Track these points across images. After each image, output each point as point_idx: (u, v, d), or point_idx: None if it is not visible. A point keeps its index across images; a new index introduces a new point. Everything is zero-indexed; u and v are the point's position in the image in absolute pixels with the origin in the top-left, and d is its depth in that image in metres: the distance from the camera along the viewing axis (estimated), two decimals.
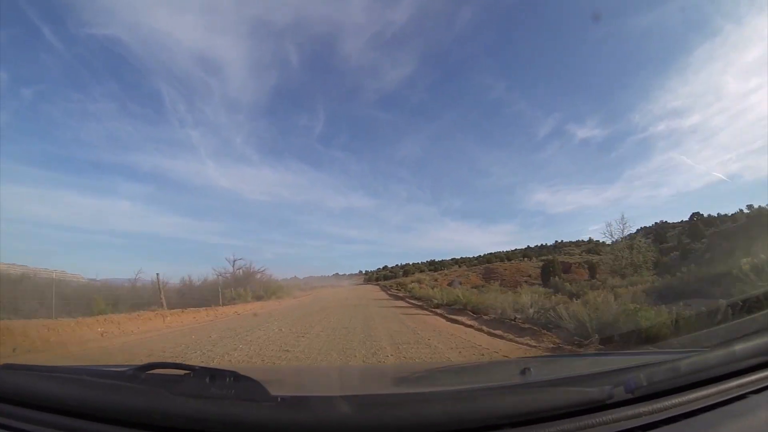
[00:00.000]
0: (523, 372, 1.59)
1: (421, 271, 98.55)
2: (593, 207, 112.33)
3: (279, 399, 1.09)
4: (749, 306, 6.14)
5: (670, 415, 1.17)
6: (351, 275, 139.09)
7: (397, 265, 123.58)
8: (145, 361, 1.49)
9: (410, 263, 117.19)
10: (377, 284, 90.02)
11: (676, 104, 78.86)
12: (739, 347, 1.39)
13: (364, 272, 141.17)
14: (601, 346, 6.93)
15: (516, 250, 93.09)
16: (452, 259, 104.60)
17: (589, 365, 2.19)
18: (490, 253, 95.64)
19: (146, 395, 1.16)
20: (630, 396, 1.18)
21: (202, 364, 1.28)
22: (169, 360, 1.47)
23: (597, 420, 1.12)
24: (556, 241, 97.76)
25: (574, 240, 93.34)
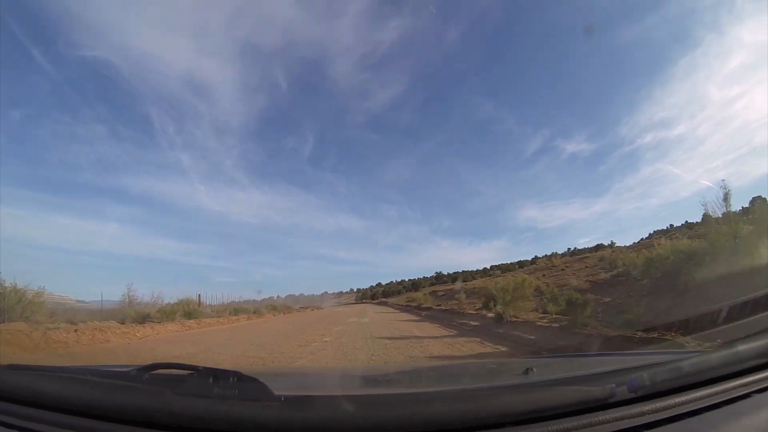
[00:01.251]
0: (526, 372, 1.60)
1: (409, 290, 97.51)
2: (582, 220, 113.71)
3: (283, 399, 1.09)
4: (753, 306, 6.17)
5: (673, 414, 1.17)
6: (341, 293, 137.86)
7: (392, 281, 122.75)
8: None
9: (399, 281, 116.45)
10: (379, 302, 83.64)
11: (662, 115, 79.43)
12: (743, 347, 1.39)
13: (356, 290, 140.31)
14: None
15: (503, 264, 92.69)
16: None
17: (592, 365, 2.19)
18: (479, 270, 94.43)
19: (150, 395, 1.16)
20: (633, 395, 1.18)
21: (206, 365, 1.26)
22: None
23: (600, 419, 1.12)
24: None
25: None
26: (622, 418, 1.13)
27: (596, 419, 1.12)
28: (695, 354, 1.43)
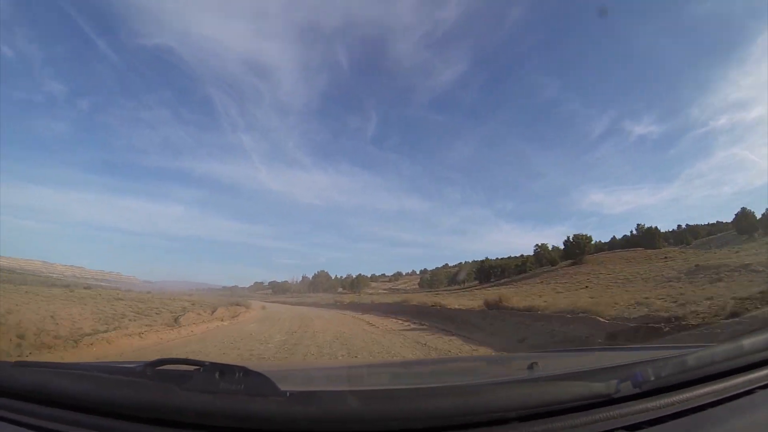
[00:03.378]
0: (531, 367, 1.60)
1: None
2: (650, 207, 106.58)
3: (288, 394, 1.09)
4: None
5: (678, 409, 1.17)
6: (398, 276, 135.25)
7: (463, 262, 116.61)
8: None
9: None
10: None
11: (738, 96, 74.25)
12: (747, 342, 1.39)
13: (419, 272, 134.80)
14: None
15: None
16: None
17: (596, 360, 2.20)
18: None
19: (156, 391, 1.17)
20: (637, 391, 1.18)
21: (213, 361, 1.27)
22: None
23: (604, 414, 1.12)
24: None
25: None
26: (626, 414, 1.13)
27: (601, 415, 1.12)
28: (700, 349, 1.41)
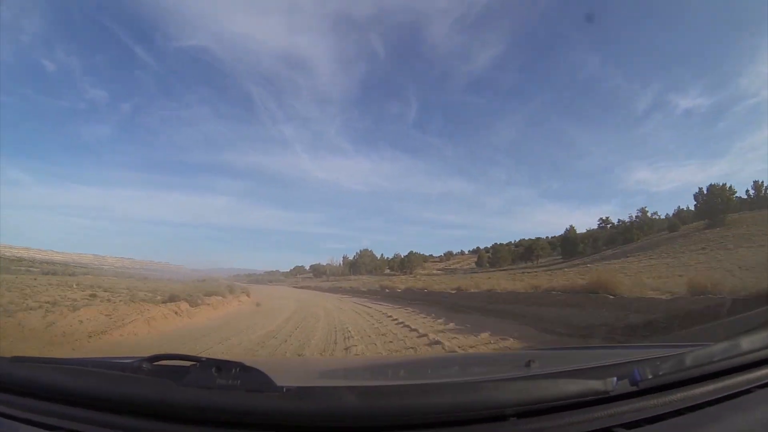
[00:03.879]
0: (528, 364, 1.60)
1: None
2: (699, 183, 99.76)
3: (285, 389, 1.09)
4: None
5: (675, 408, 1.17)
6: (449, 255, 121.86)
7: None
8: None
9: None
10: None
11: None
12: (745, 341, 1.38)
13: (468, 252, 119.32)
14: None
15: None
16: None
17: (594, 357, 2.18)
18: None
19: (153, 386, 1.17)
20: (635, 389, 1.18)
21: (209, 356, 1.28)
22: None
23: (602, 412, 1.13)
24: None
25: None
26: (624, 412, 1.13)
27: (598, 412, 1.12)
28: (698, 347, 1.41)
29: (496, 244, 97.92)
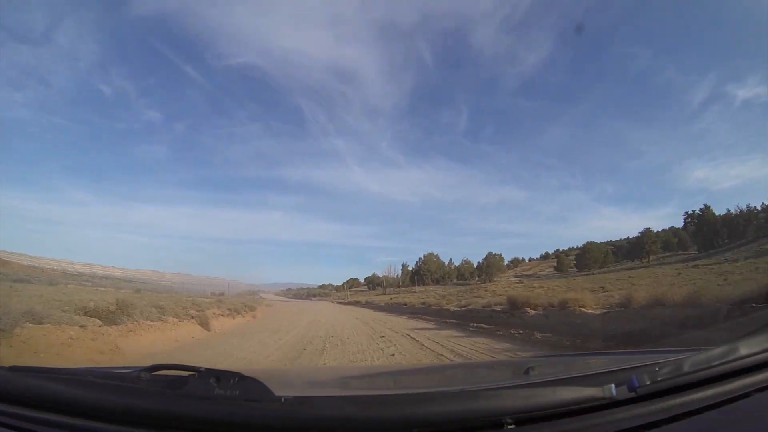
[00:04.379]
0: (527, 371, 1.61)
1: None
2: (764, 179, 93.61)
3: (283, 399, 1.10)
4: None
5: (674, 414, 1.17)
6: (521, 261, 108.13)
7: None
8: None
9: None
10: None
11: None
12: (743, 345, 1.37)
13: (537, 258, 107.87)
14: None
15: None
16: None
17: (593, 364, 2.20)
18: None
19: (152, 396, 1.18)
20: (633, 395, 1.18)
21: (208, 366, 1.28)
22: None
23: (600, 419, 1.13)
24: None
25: None
26: (622, 418, 1.13)
27: (596, 419, 1.13)
28: (696, 352, 1.39)
29: (588, 242, 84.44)
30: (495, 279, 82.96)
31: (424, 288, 78.14)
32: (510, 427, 1.08)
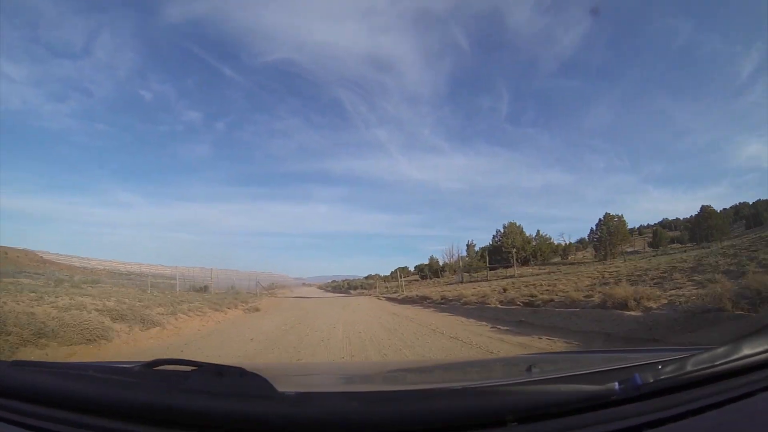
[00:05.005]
0: (529, 369, 1.60)
1: None
2: None
3: (285, 395, 1.09)
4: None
5: (677, 412, 1.16)
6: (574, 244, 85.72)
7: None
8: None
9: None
10: None
11: None
12: (747, 344, 1.35)
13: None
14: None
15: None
16: None
17: (596, 362, 2.16)
18: None
19: (153, 391, 1.17)
20: (636, 393, 1.17)
21: (209, 361, 1.28)
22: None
23: (603, 417, 1.12)
24: None
25: None
26: (625, 416, 1.12)
27: (599, 417, 1.12)
28: (699, 351, 1.38)
29: (705, 206, 59.05)
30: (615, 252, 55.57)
31: (517, 271, 45.46)
32: (513, 424, 1.08)
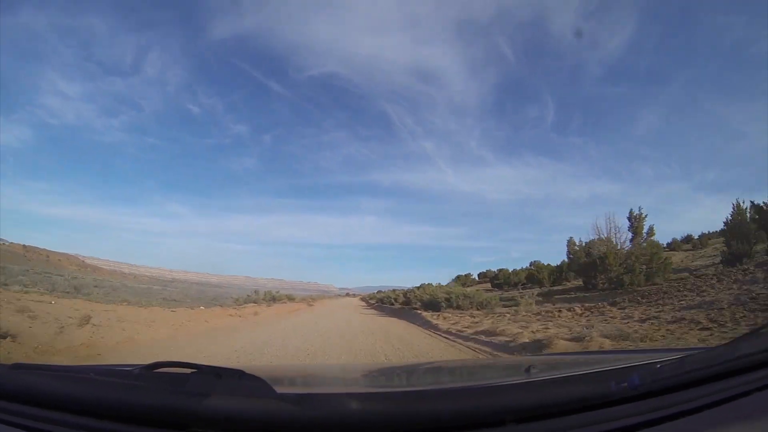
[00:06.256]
0: (528, 369, 1.60)
1: None
2: None
3: (284, 396, 1.09)
4: None
5: (674, 411, 1.17)
6: None
7: None
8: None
9: None
10: None
11: None
12: (744, 344, 1.37)
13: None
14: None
15: None
16: None
17: (594, 362, 2.18)
18: None
19: (153, 393, 1.18)
20: (634, 393, 1.18)
21: (209, 363, 1.27)
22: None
23: (601, 417, 1.13)
24: None
25: None
26: (623, 416, 1.13)
27: (597, 417, 1.12)
28: (697, 351, 1.42)
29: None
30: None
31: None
32: (512, 424, 1.08)
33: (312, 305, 44.58)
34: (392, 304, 45.97)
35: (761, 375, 1.33)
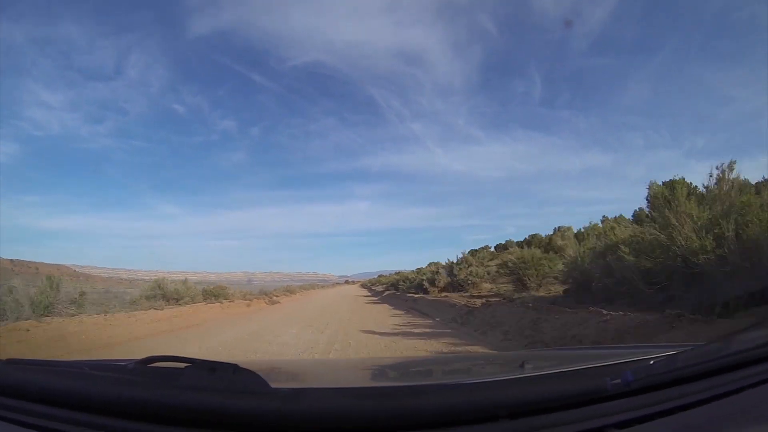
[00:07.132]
0: (522, 365, 1.60)
1: None
2: None
3: (278, 391, 1.11)
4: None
5: (667, 407, 1.17)
6: None
7: None
8: None
9: None
10: None
11: None
12: (736, 341, 1.39)
13: None
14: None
15: None
16: None
17: (588, 358, 2.15)
18: None
19: (147, 388, 1.18)
20: (627, 389, 1.18)
21: (203, 358, 1.26)
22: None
23: (594, 412, 1.13)
24: None
25: None
26: (617, 412, 1.14)
27: (591, 413, 1.13)
28: (689, 347, 1.42)
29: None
30: None
31: None
32: (505, 419, 1.08)
33: (276, 303, 27.96)
34: (426, 290, 26.94)
35: (754, 371, 1.33)
